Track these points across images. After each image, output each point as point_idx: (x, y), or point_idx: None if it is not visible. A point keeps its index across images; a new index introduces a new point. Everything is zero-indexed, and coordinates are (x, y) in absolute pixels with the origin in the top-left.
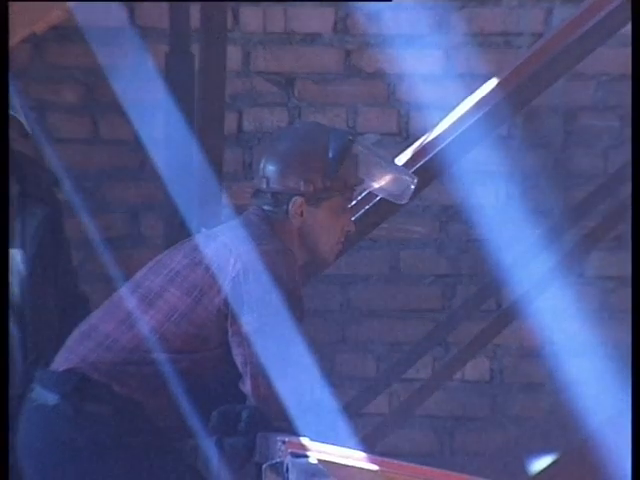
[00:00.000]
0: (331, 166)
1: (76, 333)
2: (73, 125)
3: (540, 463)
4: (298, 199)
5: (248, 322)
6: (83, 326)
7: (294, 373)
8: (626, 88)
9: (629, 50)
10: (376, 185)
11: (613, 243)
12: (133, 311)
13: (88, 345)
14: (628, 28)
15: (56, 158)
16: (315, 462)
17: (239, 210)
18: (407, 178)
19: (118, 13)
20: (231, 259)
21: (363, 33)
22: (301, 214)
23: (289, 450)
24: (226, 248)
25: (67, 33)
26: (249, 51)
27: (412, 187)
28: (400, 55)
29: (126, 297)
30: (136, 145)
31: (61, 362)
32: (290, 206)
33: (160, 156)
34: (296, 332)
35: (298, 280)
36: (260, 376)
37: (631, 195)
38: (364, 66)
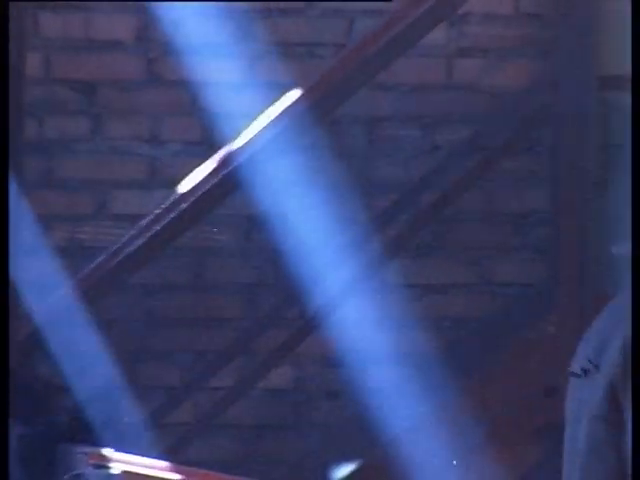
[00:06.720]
0: None
1: None
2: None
3: (342, 470)
4: None
5: None
6: None
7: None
8: (426, 98)
9: (428, 60)
10: None
11: (416, 251)
12: None
13: None
14: (429, 39)
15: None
16: (117, 473)
17: None
18: None
19: None
20: None
21: (166, 41)
22: None
23: (90, 461)
24: None
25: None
26: (49, 57)
27: None
28: (204, 64)
29: None
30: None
31: None
32: None
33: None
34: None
35: None
36: None
37: (631, 198)
38: (167, 74)
